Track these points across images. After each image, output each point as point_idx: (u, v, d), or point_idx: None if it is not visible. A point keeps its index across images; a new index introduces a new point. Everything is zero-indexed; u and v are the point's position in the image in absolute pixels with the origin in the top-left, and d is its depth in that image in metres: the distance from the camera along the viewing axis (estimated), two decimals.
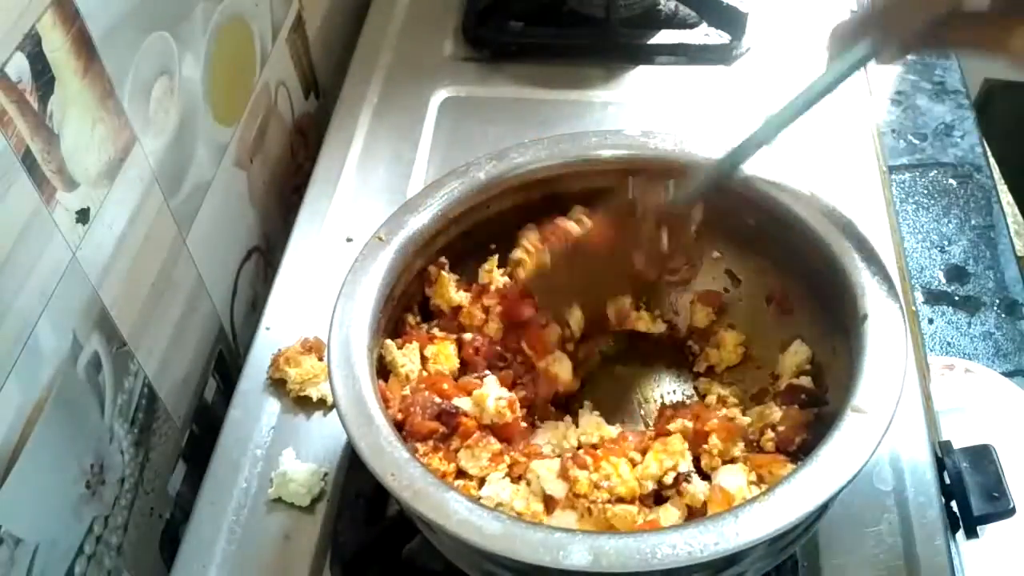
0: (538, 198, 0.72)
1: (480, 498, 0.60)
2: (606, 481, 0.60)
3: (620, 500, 0.59)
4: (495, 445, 0.63)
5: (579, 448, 0.65)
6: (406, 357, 0.67)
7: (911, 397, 0.73)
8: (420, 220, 0.69)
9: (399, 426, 0.62)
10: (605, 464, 0.60)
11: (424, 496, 0.54)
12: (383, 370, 0.67)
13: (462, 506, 0.53)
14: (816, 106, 0.60)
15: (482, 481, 0.62)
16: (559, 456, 0.63)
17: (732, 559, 0.53)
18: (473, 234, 0.73)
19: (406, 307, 0.71)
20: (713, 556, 0.50)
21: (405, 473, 0.55)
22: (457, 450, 0.64)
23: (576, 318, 0.70)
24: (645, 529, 0.58)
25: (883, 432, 0.54)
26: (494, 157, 0.72)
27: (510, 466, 0.63)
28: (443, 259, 0.71)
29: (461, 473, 0.63)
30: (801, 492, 0.53)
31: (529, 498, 0.61)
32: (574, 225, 0.69)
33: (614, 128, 0.74)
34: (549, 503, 0.60)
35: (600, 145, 0.73)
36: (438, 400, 0.64)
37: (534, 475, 0.61)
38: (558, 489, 0.60)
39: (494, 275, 0.72)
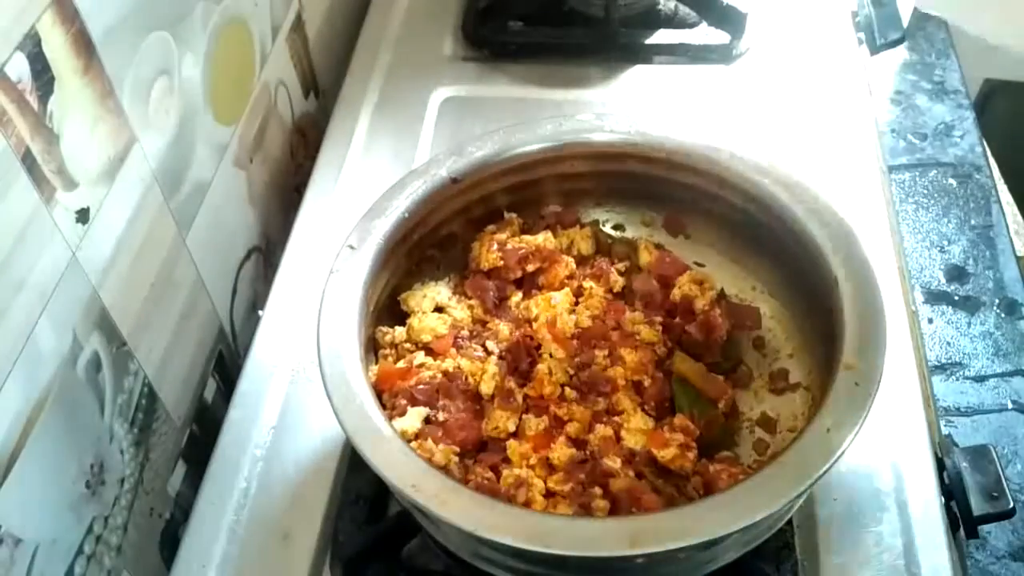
0: (505, 187, 0.76)
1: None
2: None
3: None
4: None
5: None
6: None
7: (911, 397, 0.73)
8: (387, 223, 0.69)
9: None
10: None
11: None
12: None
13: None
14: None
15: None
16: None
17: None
18: (443, 229, 0.75)
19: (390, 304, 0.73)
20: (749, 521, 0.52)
21: (427, 483, 0.55)
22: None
23: None
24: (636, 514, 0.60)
25: (877, 386, 0.55)
26: (453, 152, 0.74)
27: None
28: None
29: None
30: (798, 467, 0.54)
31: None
32: None
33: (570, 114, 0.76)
34: None
35: (557, 132, 0.75)
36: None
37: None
38: None
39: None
